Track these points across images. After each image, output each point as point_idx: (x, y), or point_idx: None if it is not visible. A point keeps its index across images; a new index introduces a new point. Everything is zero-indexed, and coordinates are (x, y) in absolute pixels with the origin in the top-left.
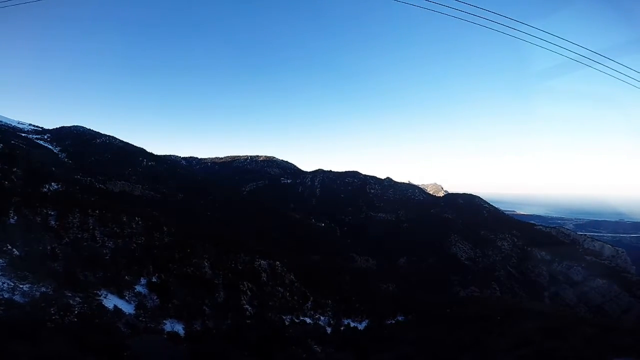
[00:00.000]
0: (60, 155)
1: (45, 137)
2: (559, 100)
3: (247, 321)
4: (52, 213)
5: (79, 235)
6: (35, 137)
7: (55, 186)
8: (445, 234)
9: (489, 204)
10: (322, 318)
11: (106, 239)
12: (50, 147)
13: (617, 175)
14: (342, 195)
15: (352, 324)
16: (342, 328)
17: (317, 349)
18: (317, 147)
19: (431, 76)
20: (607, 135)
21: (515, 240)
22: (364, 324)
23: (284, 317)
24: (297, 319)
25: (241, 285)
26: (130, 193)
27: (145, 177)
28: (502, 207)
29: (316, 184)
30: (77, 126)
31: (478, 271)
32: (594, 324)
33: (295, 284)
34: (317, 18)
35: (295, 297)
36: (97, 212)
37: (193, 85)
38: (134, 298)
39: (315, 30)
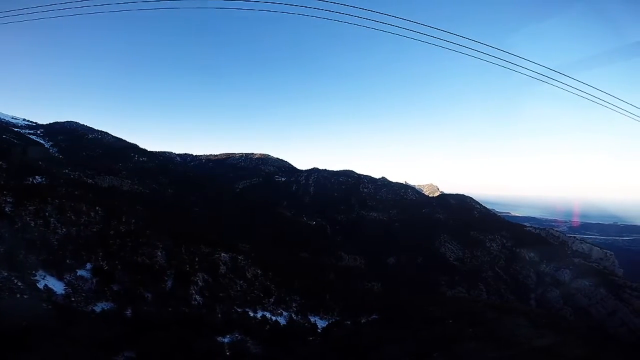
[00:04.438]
0: (51, 150)
1: (38, 132)
2: (552, 102)
3: (190, 310)
4: (10, 200)
5: (32, 222)
6: (28, 132)
7: (40, 179)
8: (435, 234)
9: (480, 204)
10: (284, 313)
11: (60, 225)
12: (42, 142)
13: (611, 175)
14: (336, 194)
15: (316, 321)
16: (301, 324)
17: (236, 339)
18: (314, 146)
19: (432, 75)
20: (606, 136)
21: (505, 241)
22: (331, 321)
23: (238, 310)
24: (254, 312)
25: (193, 277)
26: (119, 188)
27: (135, 173)
28: (497, 209)
29: (310, 182)
30: (70, 121)
31: (466, 272)
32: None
33: (260, 278)
34: (313, 17)
35: (256, 291)
36: (56, 201)
37: (191, 83)
38: (72, 281)
39: (312, 29)
